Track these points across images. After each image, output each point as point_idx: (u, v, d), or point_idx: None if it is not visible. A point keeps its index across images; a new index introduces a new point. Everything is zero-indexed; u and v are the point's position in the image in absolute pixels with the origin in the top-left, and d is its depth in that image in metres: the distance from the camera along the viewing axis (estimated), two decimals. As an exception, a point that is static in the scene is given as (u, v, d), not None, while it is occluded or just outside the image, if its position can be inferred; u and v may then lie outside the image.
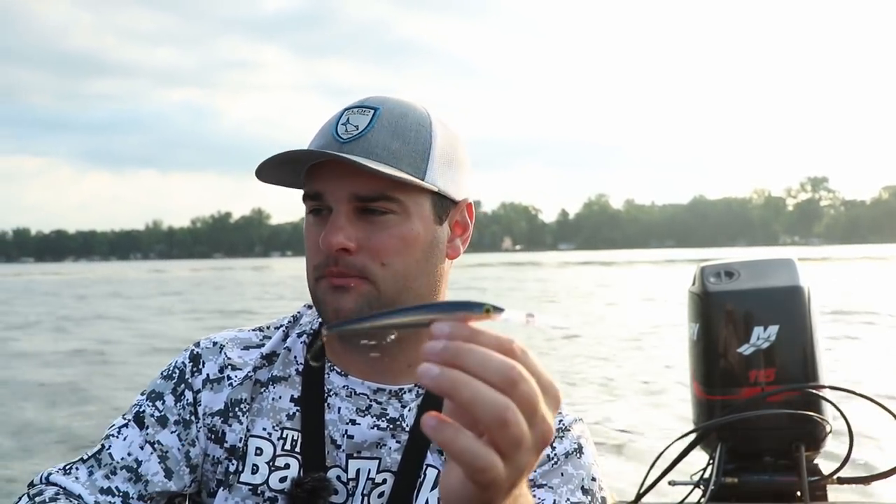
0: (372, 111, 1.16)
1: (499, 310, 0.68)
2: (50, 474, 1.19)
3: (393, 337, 0.73)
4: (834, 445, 2.62)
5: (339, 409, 1.21)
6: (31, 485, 1.20)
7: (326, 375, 1.24)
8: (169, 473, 1.20)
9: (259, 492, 1.19)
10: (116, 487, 1.17)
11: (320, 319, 1.30)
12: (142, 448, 1.21)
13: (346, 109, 1.18)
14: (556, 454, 1.19)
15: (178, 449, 1.22)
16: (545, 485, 1.16)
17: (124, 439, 1.22)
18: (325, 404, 1.22)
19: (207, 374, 1.26)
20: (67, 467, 1.20)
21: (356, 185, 1.13)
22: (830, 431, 2.56)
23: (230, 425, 1.23)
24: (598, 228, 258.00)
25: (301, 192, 1.21)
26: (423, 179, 1.15)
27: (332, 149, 1.14)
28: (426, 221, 1.18)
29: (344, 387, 1.22)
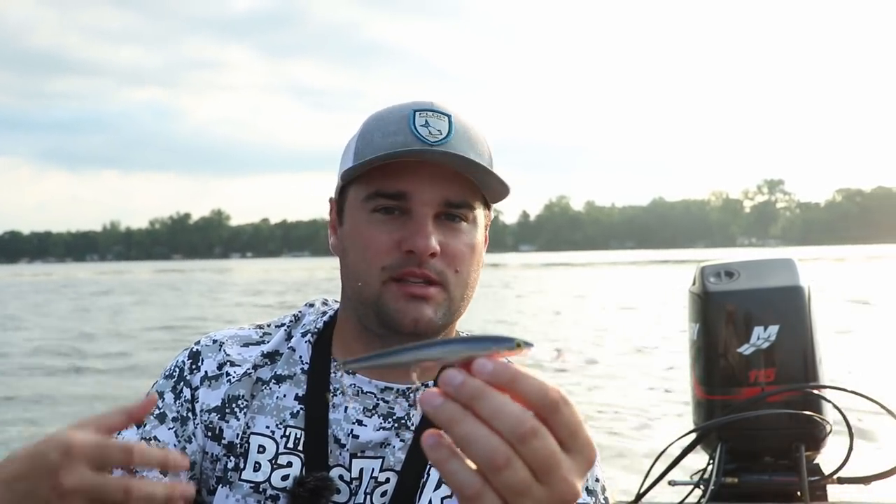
0: (446, 117, 1.16)
1: (529, 345, 0.68)
2: None
3: (416, 373, 0.72)
4: (834, 445, 2.62)
5: (346, 408, 1.21)
6: None
7: (333, 374, 1.25)
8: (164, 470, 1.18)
9: (261, 489, 1.19)
10: None
11: (325, 319, 1.31)
12: None
13: (415, 110, 1.16)
14: None
15: (175, 445, 1.21)
16: None
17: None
18: (331, 403, 1.22)
19: (206, 372, 1.26)
20: None
21: (448, 190, 1.16)
22: (830, 431, 2.57)
23: (227, 422, 1.22)
24: (558, 230, 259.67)
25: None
26: None
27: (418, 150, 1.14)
28: (481, 231, 1.23)
29: (351, 385, 1.22)
